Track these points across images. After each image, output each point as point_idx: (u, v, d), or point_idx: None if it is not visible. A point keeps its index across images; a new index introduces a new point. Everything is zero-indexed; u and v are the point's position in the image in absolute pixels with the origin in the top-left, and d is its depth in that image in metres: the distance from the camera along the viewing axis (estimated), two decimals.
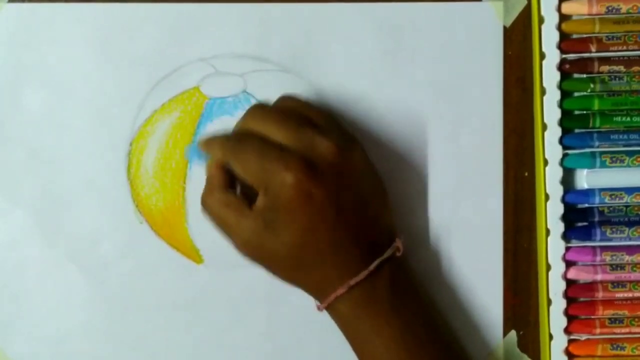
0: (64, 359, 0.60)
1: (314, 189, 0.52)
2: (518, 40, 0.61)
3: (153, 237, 0.61)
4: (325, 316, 0.58)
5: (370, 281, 0.54)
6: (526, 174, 0.61)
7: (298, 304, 0.60)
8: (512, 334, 0.61)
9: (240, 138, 0.55)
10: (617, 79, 0.60)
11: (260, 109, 0.56)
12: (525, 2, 0.60)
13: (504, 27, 0.61)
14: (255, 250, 0.55)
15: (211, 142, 0.57)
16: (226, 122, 0.60)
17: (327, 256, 0.54)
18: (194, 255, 0.61)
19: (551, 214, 0.60)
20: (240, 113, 0.60)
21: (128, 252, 0.60)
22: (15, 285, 0.60)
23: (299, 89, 0.60)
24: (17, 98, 0.60)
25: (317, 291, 0.56)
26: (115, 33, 0.60)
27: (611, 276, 0.60)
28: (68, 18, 0.59)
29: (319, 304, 0.56)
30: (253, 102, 0.60)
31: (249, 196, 0.55)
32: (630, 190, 0.60)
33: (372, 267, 0.54)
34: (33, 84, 0.60)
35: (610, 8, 0.59)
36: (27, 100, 0.60)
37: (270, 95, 0.59)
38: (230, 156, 0.55)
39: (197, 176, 0.60)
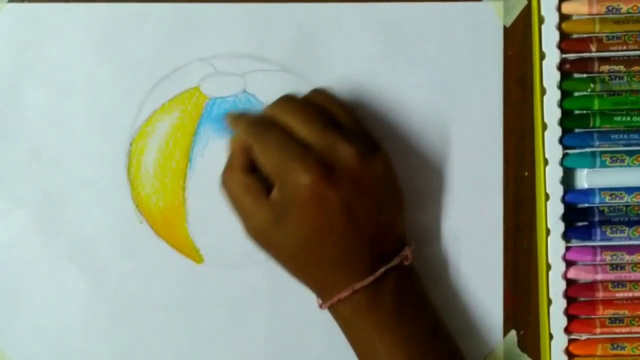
0: (64, 358, 0.60)
1: (329, 192, 0.52)
2: (518, 40, 0.61)
3: (153, 237, 0.61)
4: (325, 316, 0.58)
5: (375, 287, 0.54)
6: (526, 174, 0.61)
7: (298, 304, 0.61)
8: (512, 334, 0.61)
9: (266, 126, 0.55)
10: (617, 78, 0.60)
11: (289, 101, 0.56)
12: (525, 2, 0.60)
13: (504, 27, 0.61)
14: (264, 239, 0.55)
15: (238, 121, 0.56)
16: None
17: (335, 259, 0.54)
18: (194, 255, 0.61)
19: (551, 213, 0.60)
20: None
21: (128, 252, 0.60)
22: (15, 285, 0.60)
23: (299, 89, 0.60)
24: (17, 98, 0.60)
25: (321, 290, 0.55)
26: (115, 33, 0.60)
27: (611, 276, 0.60)
28: (68, 18, 0.59)
29: (320, 302, 0.56)
30: (253, 102, 0.60)
31: (267, 182, 0.54)
32: (630, 190, 0.60)
33: (378, 274, 0.54)
34: (33, 84, 0.60)
35: (610, 8, 0.59)
36: (27, 100, 0.60)
37: (271, 95, 0.59)
38: (254, 140, 0.54)
39: (197, 176, 0.60)
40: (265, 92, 0.60)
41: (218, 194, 0.60)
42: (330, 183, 0.52)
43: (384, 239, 0.55)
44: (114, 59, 0.60)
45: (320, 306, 0.56)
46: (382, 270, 0.54)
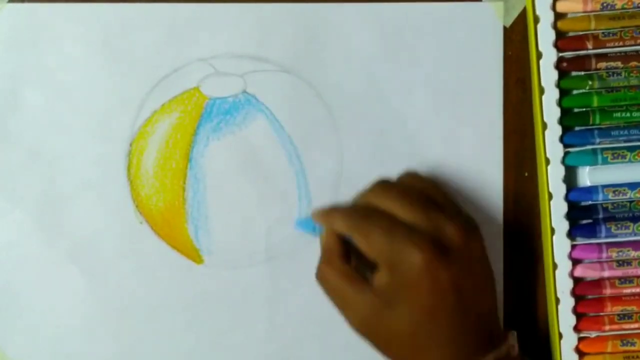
0: (63, 358, 0.60)
1: (441, 272, 0.51)
2: (518, 40, 0.61)
3: (153, 237, 0.60)
4: (325, 317, 0.57)
5: None
6: (526, 174, 0.61)
7: (298, 305, 0.60)
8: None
9: (366, 213, 0.54)
10: (615, 75, 0.60)
11: (384, 186, 0.55)
12: (525, 2, 0.61)
13: (504, 27, 0.61)
14: (372, 328, 0.53)
15: (331, 214, 0.55)
16: (226, 122, 0.60)
17: (444, 340, 0.52)
18: (194, 255, 0.60)
19: (555, 212, 0.60)
20: (240, 113, 0.60)
21: (128, 252, 0.60)
22: (15, 285, 0.60)
23: (299, 89, 0.60)
24: (17, 98, 0.59)
25: None
26: (115, 33, 0.60)
27: (618, 272, 0.60)
28: (68, 18, 0.60)
29: None
30: (253, 102, 0.60)
31: (361, 272, 0.54)
32: (633, 186, 0.60)
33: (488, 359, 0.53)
34: (33, 84, 0.60)
35: (604, 4, 0.60)
36: (27, 100, 0.60)
37: (271, 95, 0.60)
38: (354, 230, 0.54)
39: (198, 176, 0.60)
40: (265, 93, 0.60)
41: (218, 194, 0.60)
42: (443, 261, 0.52)
43: (489, 321, 0.55)
44: (114, 60, 0.60)
45: None
46: (491, 356, 0.53)
